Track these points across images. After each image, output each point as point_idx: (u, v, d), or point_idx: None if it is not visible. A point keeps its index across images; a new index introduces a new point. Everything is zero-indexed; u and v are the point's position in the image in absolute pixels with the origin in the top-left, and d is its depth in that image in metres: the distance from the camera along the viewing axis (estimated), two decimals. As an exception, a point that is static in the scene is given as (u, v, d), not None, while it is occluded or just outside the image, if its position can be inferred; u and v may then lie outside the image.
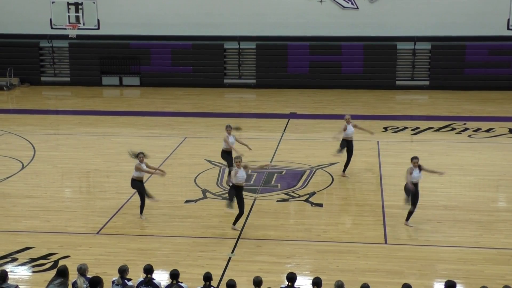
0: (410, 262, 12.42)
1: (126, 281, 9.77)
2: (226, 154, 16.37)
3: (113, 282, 9.85)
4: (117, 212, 14.91)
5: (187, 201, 15.55)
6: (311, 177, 17.22)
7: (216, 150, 17.02)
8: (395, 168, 17.25)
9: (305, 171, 17.62)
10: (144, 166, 14.26)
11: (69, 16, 29.05)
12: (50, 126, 24.02)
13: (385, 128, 21.97)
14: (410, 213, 13.95)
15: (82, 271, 9.80)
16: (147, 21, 28.93)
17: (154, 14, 28.88)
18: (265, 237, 13.60)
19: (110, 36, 29.30)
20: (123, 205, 15.28)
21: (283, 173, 17.58)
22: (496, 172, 17.58)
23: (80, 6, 28.95)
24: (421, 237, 13.54)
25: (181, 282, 9.89)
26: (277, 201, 15.59)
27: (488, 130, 21.57)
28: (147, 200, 14.47)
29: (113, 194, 16.19)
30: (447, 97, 26.90)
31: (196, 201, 15.60)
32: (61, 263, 12.01)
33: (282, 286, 9.89)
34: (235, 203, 13.57)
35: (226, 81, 29.45)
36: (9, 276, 10.06)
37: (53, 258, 12.56)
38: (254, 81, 29.23)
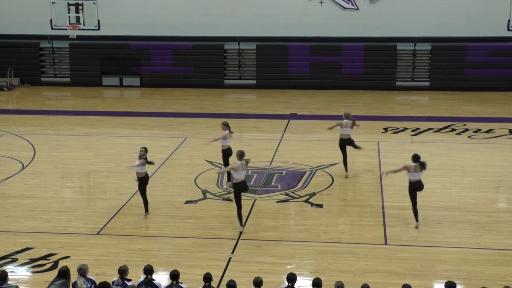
0: (411, 263, 12.42)
1: (126, 281, 9.78)
2: (223, 153, 16.34)
3: (113, 282, 9.85)
4: (117, 212, 14.91)
5: (187, 202, 15.55)
6: (311, 177, 17.22)
7: (217, 151, 17.01)
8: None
9: (305, 172, 17.61)
10: (137, 162, 14.29)
11: (69, 16, 29.02)
12: (50, 126, 24.02)
13: (385, 129, 21.96)
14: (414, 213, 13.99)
15: (82, 271, 9.82)
16: (148, 21, 28.93)
17: (155, 15, 28.87)
18: (265, 237, 13.61)
19: (111, 37, 29.29)
20: (123, 205, 15.29)
21: (283, 174, 17.57)
22: (497, 173, 17.58)
23: (80, 7, 28.93)
24: (421, 238, 13.54)
25: (181, 283, 9.89)
26: (277, 201, 15.58)
27: (488, 131, 21.57)
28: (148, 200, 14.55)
29: (113, 194, 16.19)
30: (448, 98, 26.90)
31: (196, 201, 15.60)
32: (61, 263, 12.03)
33: (282, 286, 9.90)
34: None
35: (226, 81, 29.44)
36: (9, 277, 10.07)
37: (53, 258, 12.57)
38: (254, 81, 29.22)
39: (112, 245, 13.27)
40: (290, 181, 17.01)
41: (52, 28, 29.32)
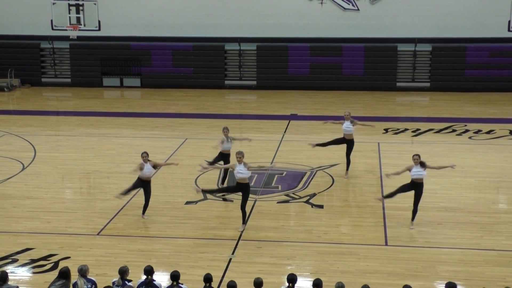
0: (411, 263, 12.41)
1: (126, 282, 9.77)
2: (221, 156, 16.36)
3: (113, 283, 9.85)
4: (117, 213, 14.91)
5: (187, 203, 15.55)
6: (312, 178, 17.22)
7: (217, 152, 17.00)
8: (396, 170, 17.19)
9: (305, 173, 17.61)
10: (148, 165, 14.24)
11: (70, 17, 29.03)
12: (50, 127, 24.02)
13: (386, 130, 21.97)
14: (413, 213, 13.98)
15: (82, 272, 9.82)
16: (148, 22, 28.96)
17: (155, 16, 28.90)
18: (266, 238, 13.60)
19: (111, 38, 29.31)
20: (124, 206, 15.28)
21: (283, 175, 17.57)
22: (497, 173, 17.58)
23: (81, 7, 28.95)
24: (421, 239, 13.54)
25: (182, 284, 9.89)
26: (278, 202, 15.58)
27: (488, 132, 21.56)
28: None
29: (113, 195, 16.15)
30: (448, 98, 26.90)
31: (196, 202, 15.59)
32: (61, 264, 12.04)
33: (283, 287, 9.89)
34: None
35: (226, 82, 29.46)
36: (10, 277, 10.07)
37: (54, 259, 12.56)
38: (254, 82, 29.24)
39: (113, 245, 13.27)
40: (291, 182, 17.01)
41: (52, 29, 29.34)
